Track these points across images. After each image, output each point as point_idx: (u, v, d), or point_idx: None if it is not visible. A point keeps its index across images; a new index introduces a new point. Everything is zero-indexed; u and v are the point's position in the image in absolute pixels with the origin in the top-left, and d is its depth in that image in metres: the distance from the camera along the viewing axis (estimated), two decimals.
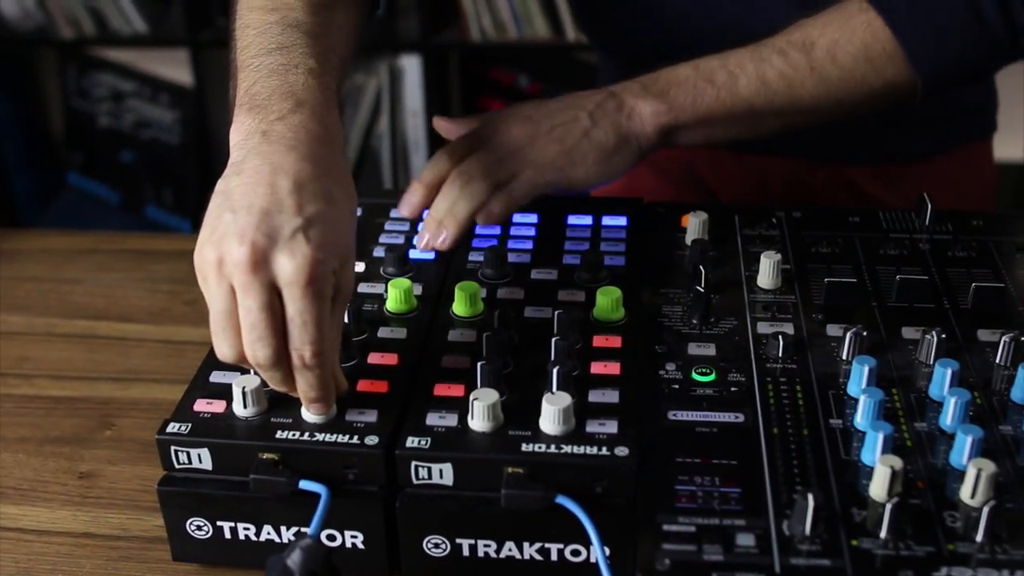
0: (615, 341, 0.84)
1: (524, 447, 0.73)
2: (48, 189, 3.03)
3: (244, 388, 0.76)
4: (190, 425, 0.76)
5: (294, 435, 0.75)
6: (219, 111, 2.59)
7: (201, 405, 0.78)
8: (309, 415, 0.76)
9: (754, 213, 1.02)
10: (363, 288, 0.91)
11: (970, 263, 0.94)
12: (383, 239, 0.99)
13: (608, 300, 0.86)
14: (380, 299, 0.90)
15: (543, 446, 0.73)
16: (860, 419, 0.76)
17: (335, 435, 0.75)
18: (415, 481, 0.74)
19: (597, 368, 0.81)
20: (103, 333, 1.11)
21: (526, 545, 0.74)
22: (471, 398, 0.75)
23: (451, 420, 0.76)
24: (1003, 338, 0.82)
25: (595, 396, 0.78)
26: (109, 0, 2.61)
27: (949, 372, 0.77)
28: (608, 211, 1.02)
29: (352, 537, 0.76)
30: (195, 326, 1.09)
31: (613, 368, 0.81)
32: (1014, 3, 0.94)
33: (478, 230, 1.00)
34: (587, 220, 1.01)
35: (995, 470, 0.69)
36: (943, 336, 0.82)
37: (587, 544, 0.73)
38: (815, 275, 0.92)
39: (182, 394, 0.80)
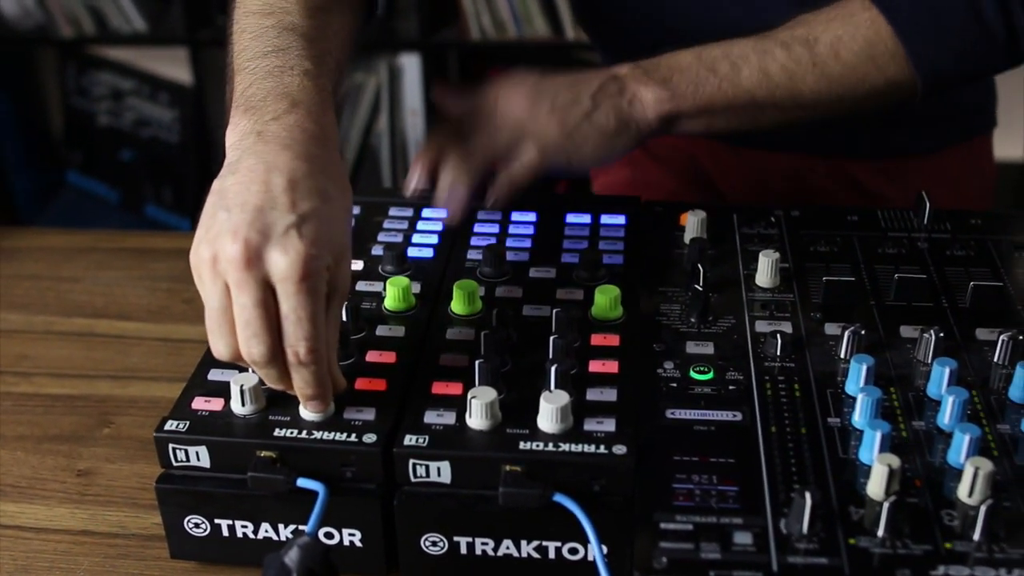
0: (613, 339, 0.84)
1: (522, 445, 0.73)
2: (48, 188, 3.03)
3: (242, 386, 0.76)
4: (188, 423, 0.76)
5: (292, 433, 0.75)
6: (218, 110, 2.59)
7: (199, 403, 0.78)
8: (307, 413, 0.76)
9: (753, 212, 1.02)
10: (361, 286, 0.91)
11: (968, 262, 0.94)
12: (381, 237, 0.99)
13: (606, 298, 0.86)
14: (378, 297, 0.90)
15: (541, 444, 0.73)
16: (858, 418, 0.76)
17: (333, 433, 0.75)
18: (413, 479, 0.74)
19: (595, 366, 0.81)
20: (102, 331, 1.11)
21: (524, 543, 0.74)
22: (469, 396, 0.75)
23: (449, 418, 0.76)
24: (1001, 337, 0.82)
25: (593, 394, 0.78)
26: None
27: (947, 371, 0.77)
28: (606, 210, 1.03)
29: (350, 535, 0.76)
30: (193, 324, 1.09)
31: (611, 366, 0.81)
32: (1014, 6, 0.94)
33: (477, 228, 1.00)
34: (585, 219, 1.01)
35: (992, 469, 0.69)
36: (941, 335, 0.82)
37: (585, 542, 0.73)
38: (813, 274, 0.92)
39: (180, 392, 0.80)
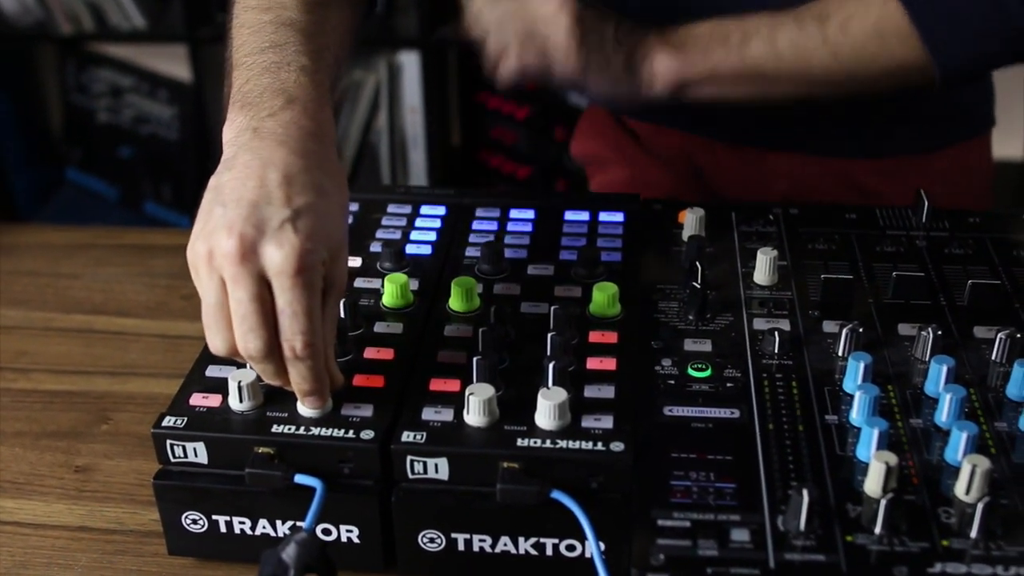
0: (611, 337, 0.84)
1: (519, 442, 0.73)
2: (47, 185, 3.03)
3: (240, 382, 0.76)
4: (186, 419, 0.76)
5: (290, 429, 0.75)
6: (218, 107, 2.58)
7: (197, 399, 0.78)
8: (305, 409, 0.76)
9: (751, 209, 1.02)
10: (359, 283, 0.91)
11: (967, 260, 0.94)
12: (380, 234, 0.99)
13: (604, 296, 0.86)
14: (376, 294, 0.90)
15: (538, 441, 0.73)
16: (855, 415, 0.76)
17: (331, 429, 0.75)
18: (410, 475, 0.74)
19: (593, 363, 0.81)
20: (100, 328, 1.11)
21: (521, 540, 0.74)
22: (467, 393, 0.75)
23: (447, 415, 0.76)
24: (999, 335, 0.82)
25: (591, 391, 0.78)
26: None
27: (945, 369, 0.78)
28: (605, 207, 1.03)
29: (347, 531, 0.76)
30: (192, 321, 1.08)
31: (609, 364, 0.81)
32: None
33: (475, 225, 1.00)
34: (584, 216, 1.01)
35: (990, 466, 0.69)
36: (939, 333, 0.82)
37: (582, 539, 0.73)
38: (811, 271, 0.92)
39: (178, 388, 0.80)
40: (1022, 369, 0.77)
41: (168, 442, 0.76)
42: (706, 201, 1.03)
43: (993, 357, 0.82)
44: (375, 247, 0.97)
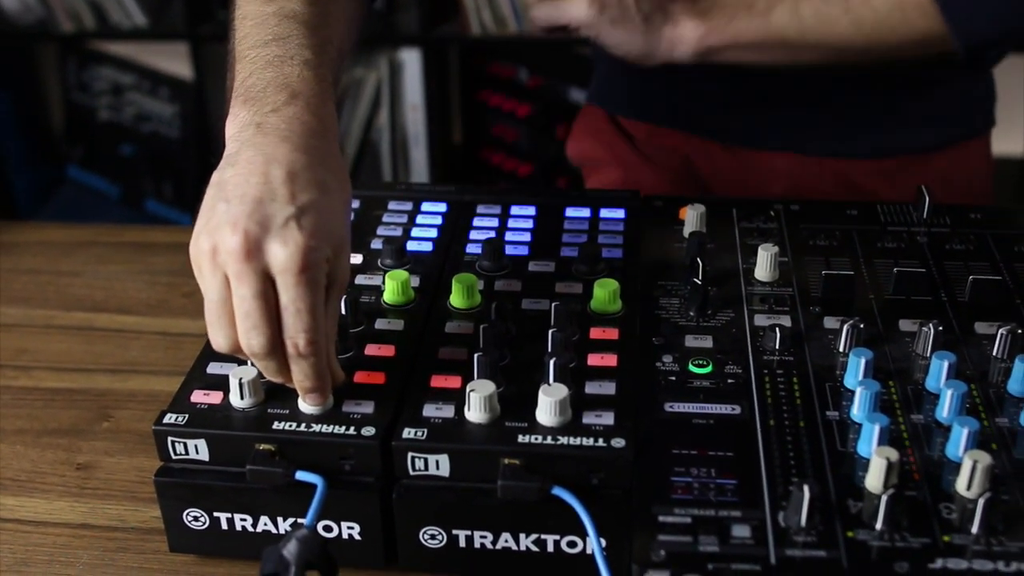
0: (612, 333, 0.84)
1: (520, 438, 0.73)
2: (48, 183, 3.03)
3: (241, 379, 0.76)
4: (187, 416, 0.76)
5: (291, 426, 0.75)
6: (219, 105, 2.59)
7: (198, 396, 0.78)
8: (306, 406, 0.76)
9: (752, 206, 1.02)
10: (361, 280, 0.91)
11: (968, 256, 0.94)
12: (381, 231, 0.99)
13: (605, 292, 0.86)
14: (377, 291, 0.90)
15: (539, 437, 0.73)
16: (856, 411, 0.76)
17: (332, 426, 0.75)
18: (411, 472, 0.74)
19: (594, 360, 0.81)
20: (101, 325, 1.11)
21: (522, 536, 0.74)
22: (468, 390, 0.75)
23: (448, 412, 0.76)
24: (1000, 331, 0.82)
25: (592, 388, 0.78)
26: None
27: (946, 364, 0.77)
28: (606, 203, 1.03)
29: (349, 528, 0.76)
30: (193, 318, 1.09)
31: (610, 360, 0.81)
32: None
33: (476, 222, 1.00)
34: (585, 212, 1.01)
35: (991, 462, 0.69)
36: (940, 328, 0.82)
37: (583, 535, 0.73)
38: (812, 268, 0.92)
39: (179, 385, 0.80)
40: (1023, 365, 0.77)
41: (169, 439, 0.76)
42: (706, 196, 1.03)
43: (994, 353, 0.82)
44: (376, 244, 0.97)
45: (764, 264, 0.91)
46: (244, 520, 0.77)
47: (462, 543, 0.75)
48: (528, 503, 0.71)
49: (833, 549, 0.66)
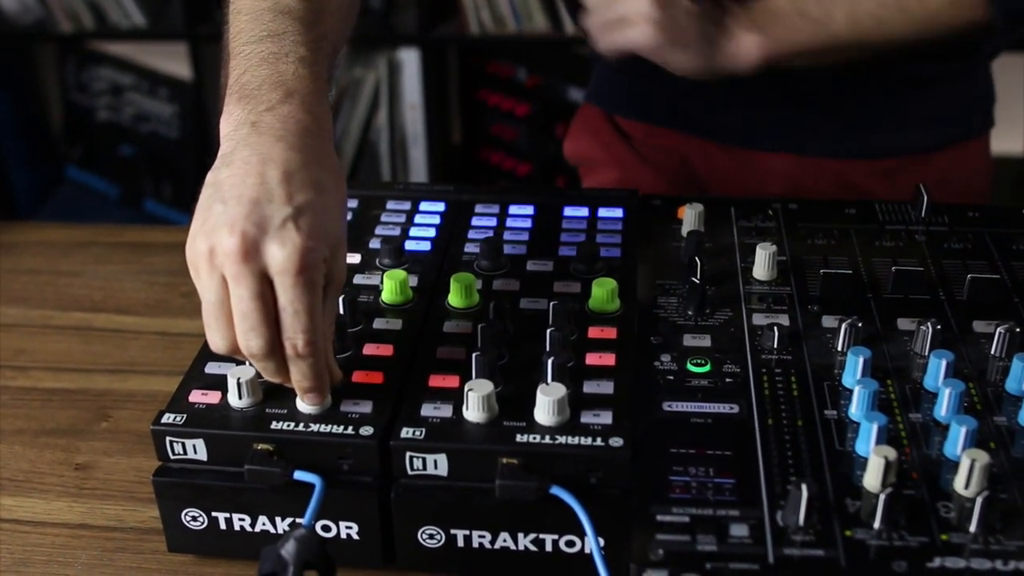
0: (610, 332, 0.84)
1: (519, 438, 0.73)
2: (47, 183, 3.03)
3: (239, 379, 0.76)
4: (185, 416, 0.76)
5: (289, 426, 0.75)
6: (217, 105, 2.59)
7: (196, 396, 0.78)
8: (304, 406, 0.76)
9: (750, 205, 1.02)
10: (359, 279, 0.91)
11: (966, 255, 0.94)
12: (379, 231, 0.99)
13: (604, 291, 0.86)
14: (376, 290, 0.90)
15: (538, 437, 0.73)
16: (855, 410, 0.76)
17: (330, 426, 0.75)
18: (410, 472, 0.74)
19: (592, 359, 0.81)
20: (100, 325, 1.11)
21: (520, 536, 0.74)
22: (466, 389, 0.75)
23: (446, 411, 0.76)
24: (998, 329, 0.82)
25: (590, 387, 0.78)
26: None
27: (944, 363, 0.77)
28: (604, 203, 1.02)
29: (347, 528, 0.76)
30: (191, 318, 1.09)
31: (608, 359, 0.81)
32: None
33: (474, 221, 1.00)
34: (583, 212, 1.01)
35: (989, 461, 0.69)
36: (938, 327, 0.82)
37: (581, 535, 0.73)
38: (811, 266, 0.92)
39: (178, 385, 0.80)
40: (1021, 363, 0.77)
41: (167, 439, 0.76)
42: (704, 196, 1.03)
43: (992, 351, 0.82)
44: (374, 243, 0.97)
45: (762, 263, 0.91)
46: (242, 520, 0.77)
47: (460, 542, 0.75)
48: (526, 502, 0.71)
49: (831, 548, 0.66)
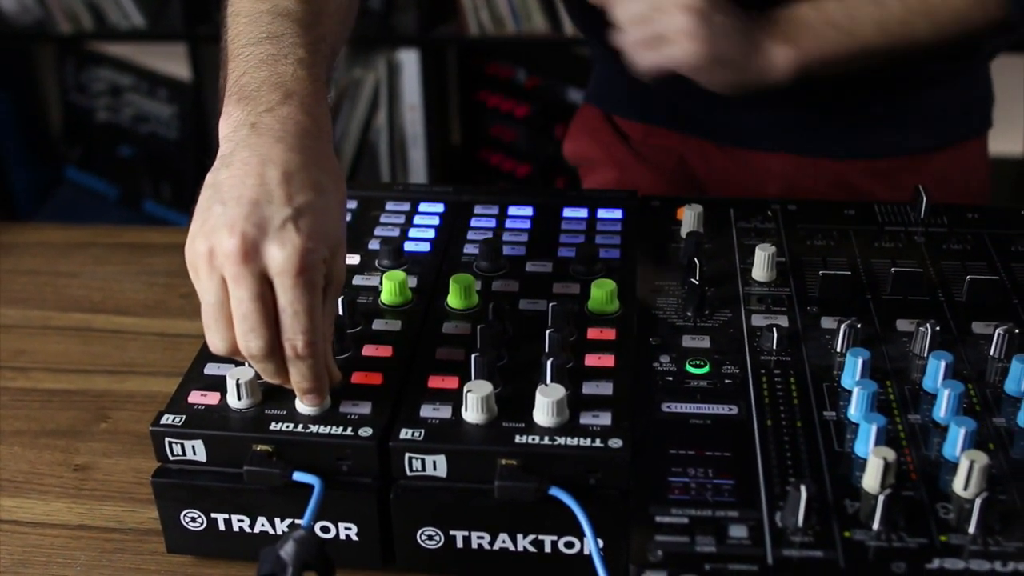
0: (609, 333, 0.84)
1: (518, 439, 0.73)
2: (46, 184, 3.03)
3: (238, 380, 0.76)
4: (184, 417, 0.76)
5: (288, 427, 0.75)
6: (216, 106, 2.59)
7: (195, 397, 0.78)
8: (303, 407, 0.76)
9: (749, 206, 1.02)
10: (358, 280, 0.91)
11: (965, 256, 0.95)
12: (378, 232, 0.99)
13: (603, 292, 0.86)
14: (375, 291, 0.90)
15: (537, 438, 0.73)
16: (854, 411, 0.76)
17: (329, 427, 0.75)
18: (409, 473, 0.74)
19: (591, 360, 0.81)
20: (99, 326, 1.11)
21: (520, 537, 0.74)
22: (465, 390, 0.75)
23: (445, 412, 0.76)
24: (997, 331, 0.82)
25: (589, 388, 0.78)
26: None
27: (943, 364, 0.77)
28: (603, 204, 1.03)
29: (346, 529, 0.76)
30: (191, 319, 1.09)
31: (607, 360, 0.81)
32: None
33: (473, 222, 1.00)
34: (582, 213, 1.01)
35: (988, 462, 0.69)
36: (937, 328, 0.82)
37: (580, 536, 0.73)
38: (810, 268, 0.92)
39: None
40: (1020, 364, 0.77)
41: (167, 440, 0.76)
42: (703, 197, 1.03)
43: (991, 353, 0.82)
44: (373, 244, 0.97)
45: (761, 264, 0.91)
46: (241, 521, 0.77)
47: (459, 544, 0.75)
48: (525, 503, 0.71)
49: (830, 549, 0.66)
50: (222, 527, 0.78)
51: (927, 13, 1.04)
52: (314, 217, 0.72)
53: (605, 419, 0.75)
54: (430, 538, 0.75)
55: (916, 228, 0.99)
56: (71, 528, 0.85)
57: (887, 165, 1.25)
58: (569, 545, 0.74)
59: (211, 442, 0.76)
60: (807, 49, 1.04)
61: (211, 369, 0.81)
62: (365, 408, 0.77)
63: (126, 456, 0.92)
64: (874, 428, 0.71)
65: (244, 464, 0.74)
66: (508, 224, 1.00)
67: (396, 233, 0.99)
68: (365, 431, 0.74)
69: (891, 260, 0.93)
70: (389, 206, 1.03)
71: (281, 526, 0.77)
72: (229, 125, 0.76)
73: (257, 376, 0.76)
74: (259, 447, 0.74)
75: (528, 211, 1.02)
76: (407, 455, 0.73)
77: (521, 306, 0.88)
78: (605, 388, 0.78)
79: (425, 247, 0.96)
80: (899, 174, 1.25)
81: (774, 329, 0.83)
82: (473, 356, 0.77)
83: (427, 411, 0.76)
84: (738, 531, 0.67)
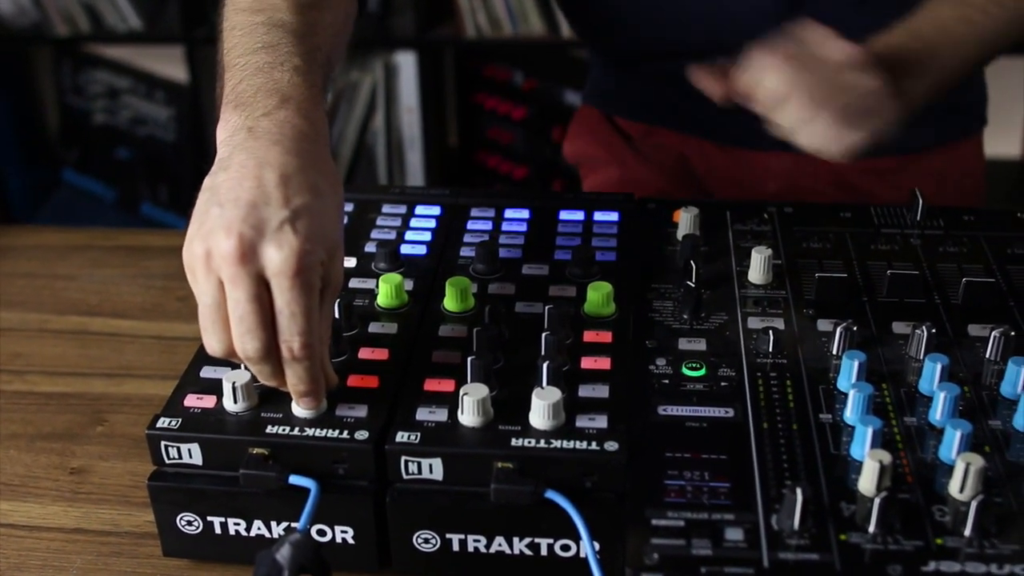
0: (605, 336, 0.84)
1: (514, 442, 0.73)
2: (43, 186, 3.03)
3: (234, 383, 0.76)
4: (180, 420, 0.76)
5: (284, 430, 0.75)
6: (214, 108, 2.59)
7: (191, 400, 0.78)
8: (299, 410, 0.76)
9: (745, 208, 1.02)
10: (354, 283, 0.91)
11: (961, 258, 0.95)
12: (375, 235, 0.99)
13: (599, 295, 0.86)
14: (371, 294, 0.90)
15: (533, 441, 0.73)
16: (850, 414, 0.76)
17: (325, 430, 0.75)
18: (405, 476, 0.74)
19: (587, 363, 0.81)
20: (96, 329, 1.11)
21: (516, 540, 0.74)
22: (461, 393, 0.75)
23: (441, 415, 0.76)
24: (993, 333, 0.82)
25: (585, 391, 0.78)
26: None
27: (939, 367, 0.78)
28: (600, 206, 1.03)
29: (342, 532, 0.76)
30: (188, 322, 1.09)
31: (603, 363, 0.81)
32: None
33: (470, 225, 1.00)
34: (579, 215, 1.01)
35: (984, 464, 0.69)
36: (933, 331, 0.82)
37: (577, 539, 0.73)
38: (806, 270, 0.92)
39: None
40: (1016, 367, 0.78)
41: (163, 443, 0.76)
42: (699, 199, 1.03)
43: (987, 355, 0.82)
44: (370, 247, 0.97)
45: (757, 267, 0.91)
46: (237, 524, 0.77)
47: (455, 547, 0.75)
48: (521, 507, 0.71)
49: (826, 552, 0.66)
50: (218, 530, 0.78)
51: (1011, 20, 1.03)
52: (311, 219, 0.72)
53: (601, 422, 0.75)
54: (426, 541, 0.75)
55: (912, 230, 0.99)
56: (67, 531, 0.85)
57: (886, 164, 1.26)
58: (565, 548, 0.74)
59: (207, 445, 0.76)
60: (911, 102, 0.97)
61: (207, 372, 0.81)
62: (361, 411, 0.77)
63: (122, 459, 0.92)
64: (870, 431, 0.71)
65: (240, 467, 0.74)
66: (504, 227, 1.00)
67: (392, 236, 0.99)
68: (361, 434, 0.74)
69: (887, 262, 0.93)
70: (385, 209, 1.03)
71: (277, 529, 0.77)
72: (226, 130, 0.76)
73: (253, 379, 0.76)
74: (255, 450, 0.74)
75: (524, 214, 1.02)
76: (403, 458, 0.73)
77: (517, 309, 0.88)
78: (601, 391, 0.78)
79: (421, 250, 0.96)
80: (898, 173, 1.25)
81: (770, 332, 0.83)
82: (469, 359, 0.77)
83: (423, 414, 0.76)
84: (734, 534, 0.68)
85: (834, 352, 0.83)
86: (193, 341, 0.79)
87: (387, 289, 0.88)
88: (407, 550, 0.76)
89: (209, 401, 0.78)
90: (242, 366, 0.76)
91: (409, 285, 0.91)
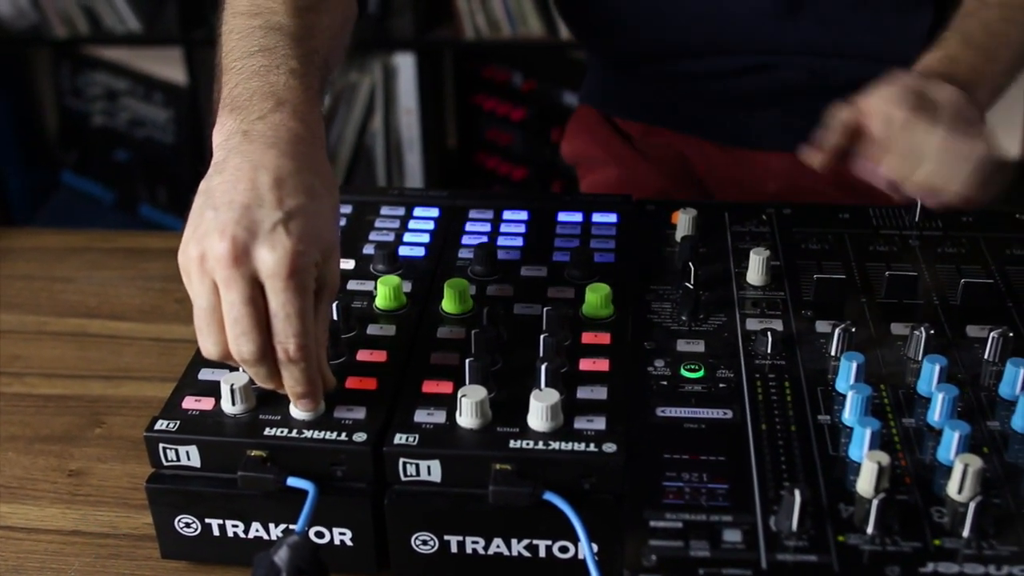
0: (604, 338, 0.84)
1: (512, 444, 0.73)
2: (42, 188, 3.03)
3: (232, 385, 0.76)
4: (178, 422, 0.76)
5: (282, 432, 0.75)
6: (212, 113, 2.58)
7: (189, 402, 0.78)
8: (297, 412, 0.76)
9: (744, 210, 1.02)
10: (352, 285, 0.91)
11: (959, 259, 0.95)
12: (373, 236, 0.99)
13: (597, 297, 0.86)
14: (369, 296, 0.90)
15: (531, 443, 0.73)
16: (848, 415, 0.76)
17: (323, 432, 0.75)
18: (403, 478, 0.74)
19: (586, 365, 0.81)
20: (94, 331, 1.11)
21: (514, 542, 0.74)
22: (459, 395, 0.75)
23: (439, 417, 0.76)
24: (992, 334, 0.82)
25: (583, 392, 0.78)
26: None
27: (937, 368, 0.78)
28: (598, 208, 1.02)
29: (340, 534, 0.76)
30: (186, 324, 1.07)
31: (602, 365, 0.81)
32: None
33: (468, 227, 1.00)
34: (577, 217, 1.01)
35: (982, 466, 0.69)
36: (932, 332, 0.82)
37: (575, 540, 0.73)
38: (804, 271, 0.92)
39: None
40: (1015, 368, 0.78)
41: (161, 445, 0.76)
42: (698, 201, 1.03)
43: (986, 356, 0.82)
44: (368, 249, 0.97)
45: (756, 268, 0.91)
46: (236, 526, 0.77)
47: (454, 548, 0.75)
48: (520, 508, 0.71)
49: (824, 553, 0.66)
50: (216, 532, 0.77)
51: None
52: (305, 221, 0.72)
53: (599, 423, 0.75)
54: (424, 543, 0.75)
55: (911, 232, 0.99)
56: (65, 534, 0.85)
57: None
58: (563, 550, 0.74)
59: (205, 447, 0.75)
60: (987, 137, 0.97)
61: (205, 374, 0.81)
62: (359, 413, 0.77)
63: (121, 461, 0.92)
64: (868, 432, 0.71)
65: (238, 469, 0.73)
66: (503, 228, 1.00)
67: (391, 238, 0.99)
68: (359, 436, 0.74)
69: (885, 264, 0.93)
70: (384, 211, 1.03)
71: (275, 531, 0.77)
72: (222, 134, 0.77)
73: (251, 381, 0.76)
74: (253, 452, 0.74)
75: (523, 215, 1.02)
76: (401, 460, 0.73)
77: (516, 310, 0.88)
78: (599, 392, 0.78)
79: (420, 252, 0.96)
80: None
81: (768, 333, 0.83)
82: (467, 360, 0.77)
83: (421, 416, 0.76)
84: (732, 535, 0.67)
85: (832, 353, 0.83)
86: (191, 343, 0.79)
87: (385, 291, 0.88)
88: (405, 552, 0.75)
89: (207, 403, 0.78)
90: (239, 368, 0.76)
91: (407, 287, 0.91)
